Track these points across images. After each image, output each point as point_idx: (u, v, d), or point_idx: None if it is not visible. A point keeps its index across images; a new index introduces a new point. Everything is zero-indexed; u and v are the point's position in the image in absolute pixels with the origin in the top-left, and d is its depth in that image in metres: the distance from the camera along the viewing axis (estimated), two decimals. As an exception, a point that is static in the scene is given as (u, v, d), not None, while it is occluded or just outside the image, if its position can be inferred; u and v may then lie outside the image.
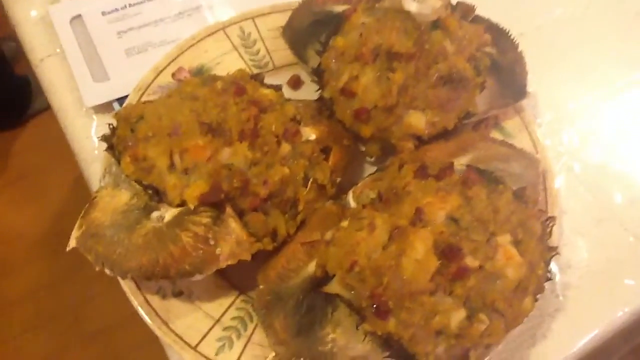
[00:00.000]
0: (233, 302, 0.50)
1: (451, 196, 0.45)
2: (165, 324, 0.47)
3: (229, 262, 0.46)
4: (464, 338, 0.42)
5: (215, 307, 0.49)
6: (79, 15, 0.68)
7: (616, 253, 0.56)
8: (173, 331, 0.47)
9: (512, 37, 0.59)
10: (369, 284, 0.43)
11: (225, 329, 0.48)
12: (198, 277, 0.46)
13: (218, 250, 0.46)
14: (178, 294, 0.49)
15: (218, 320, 0.49)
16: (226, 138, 0.48)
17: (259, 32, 0.62)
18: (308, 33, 0.59)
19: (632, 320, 0.53)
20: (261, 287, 0.48)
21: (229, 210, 0.47)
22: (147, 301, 0.48)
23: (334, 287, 0.45)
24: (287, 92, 0.61)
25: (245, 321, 0.49)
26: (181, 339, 0.47)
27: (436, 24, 0.54)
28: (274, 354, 0.46)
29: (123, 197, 0.47)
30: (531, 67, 0.58)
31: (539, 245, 0.45)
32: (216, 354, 0.47)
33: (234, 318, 0.49)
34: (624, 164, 0.60)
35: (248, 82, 0.53)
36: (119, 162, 0.47)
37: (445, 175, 0.47)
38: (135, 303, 0.48)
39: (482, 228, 0.44)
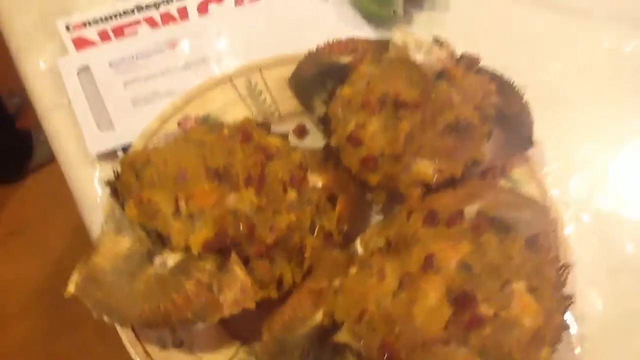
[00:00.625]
0: (236, 354, 0.48)
1: (462, 243, 0.44)
2: (165, 376, 0.45)
3: (233, 311, 0.45)
4: (481, 392, 0.40)
5: (217, 358, 0.47)
6: (87, 66, 0.68)
7: (631, 303, 0.54)
8: (173, 385, 0.45)
9: (516, 87, 0.59)
10: (380, 332, 0.42)
11: (227, 382, 0.46)
12: (200, 325, 0.45)
13: (222, 298, 0.45)
14: (179, 345, 0.47)
15: (220, 373, 0.46)
16: (232, 184, 0.47)
17: (265, 82, 0.63)
18: (314, 83, 0.59)
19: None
20: (265, 337, 0.46)
21: (234, 256, 0.46)
22: (146, 352, 0.46)
23: (342, 336, 0.43)
24: (293, 140, 0.61)
25: (249, 374, 0.47)
26: (181, 393, 0.45)
27: (442, 74, 0.54)
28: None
29: (125, 242, 0.46)
30: (536, 117, 0.58)
31: (554, 293, 0.44)
32: (218, 410, 0.44)
33: (236, 370, 0.47)
34: (634, 212, 0.59)
35: (255, 129, 0.53)
36: (122, 207, 0.46)
37: (456, 222, 0.47)
38: (133, 353, 0.46)
39: (495, 275, 0.43)
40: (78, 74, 0.68)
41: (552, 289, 0.44)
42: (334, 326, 0.44)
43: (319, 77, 0.59)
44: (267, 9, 0.74)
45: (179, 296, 0.44)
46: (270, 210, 0.48)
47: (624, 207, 0.60)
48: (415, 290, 0.42)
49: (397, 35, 0.54)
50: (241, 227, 0.45)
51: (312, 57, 0.61)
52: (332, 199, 0.53)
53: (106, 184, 0.48)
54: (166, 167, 0.47)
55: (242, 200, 0.47)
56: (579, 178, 0.62)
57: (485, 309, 0.41)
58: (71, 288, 0.44)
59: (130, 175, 0.47)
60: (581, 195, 0.61)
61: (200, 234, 0.45)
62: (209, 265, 0.45)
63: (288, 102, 0.62)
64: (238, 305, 0.45)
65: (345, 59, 0.59)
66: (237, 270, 0.46)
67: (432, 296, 0.41)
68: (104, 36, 0.73)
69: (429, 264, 0.43)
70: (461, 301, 0.41)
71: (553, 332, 0.43)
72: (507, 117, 0.58)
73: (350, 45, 0.60)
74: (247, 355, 0.48)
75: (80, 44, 0.71)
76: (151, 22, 0.75)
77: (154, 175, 0.46)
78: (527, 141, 0.58)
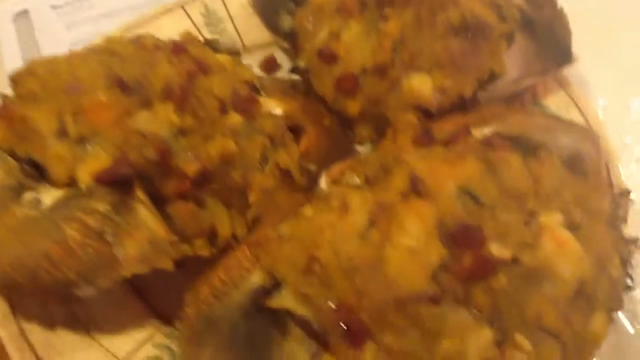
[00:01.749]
0: (150, 337, 0.34)
1: (466, 162, 0.30)
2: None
3: (137, 270, 0.32)
4: (493, 376, 0.25)
5: (123, 342, 0.33)
6: (26, 10, 0.58)
7: None
8: (49, 374, 0.31)
9: (548, -8, 0.45)
10: (336, 290, 0.27)
11: (132, 374, 0.32)
12: (88, 290, 0.31)
13: (119, 251, 0.31)
14: (71, 323, 0.34)
15: (123, 361, 0.33)
16: (143, 98, 0.34)
17: (227, 9, 0.50)
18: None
19: None
20: (188, 310, 0.32)
21: (138, 192, 0.32)
22: (22, 332, 0.33)
23: (283, 299, 0.29)
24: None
25: (165, 363, 0.33)
26: (60, 387, 0.31)
27: (442, -37, 0.40)
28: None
29: (-9, 175, 0.33)
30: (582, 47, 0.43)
31: (608, 231, 0.28)
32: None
33: (148, 359, 0.33)
34: None
35: (196, 45, 0.40)
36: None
37: (458, 139, 0.32)
38: (4, 335, 0.32)
39: (515, 205, 0.28)
40: (14, 20, 0.57)
41: (605, 226, 0.29)
42: (274, 287, 0.30)
43: (289, -9, 0.46)
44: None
45: (56, 247, 0.30)
46: (198, 134, 0.34)
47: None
48: (389, 225, 0.27)
49: None
50: (149, 152, 0.32)
51: (282, -29, 0.48)
52: (296, 131, 0.39)
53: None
54: (56, 77, 0.34)
55: (156, 119, 0.33)
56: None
57: (497, 249, 0.26)
58: None
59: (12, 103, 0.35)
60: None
61: (92, 163, 0.32)
62: (101, 204, 0.31)
63: (255, 32, 0.49)
64: (144, 263, 0.32)
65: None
66: (143, 211, 0.32)
67: (413, 230, 0.27)
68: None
69: (414, 188, 0.28)
70: (460, 238, 0.26)
71: (608, 290, 0.27)
72: (536, 24, 0.43)
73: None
74: (166, 340, 0.34)
75: (25, -10, 0.61)
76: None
77: (37, 87, 0.34)
78: (564, 54, 0.43)
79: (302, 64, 0.42)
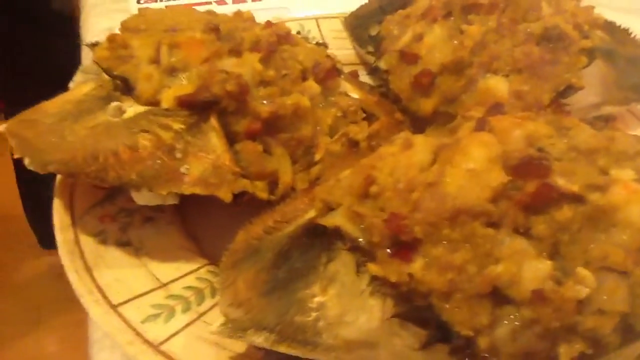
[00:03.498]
0: (195, 271, 0.34)
1: (536, 121, 0.29)
2: (88, 269, 0.32)
3: (197, 191, 0.32)
4: (546, 307, 0.23)
5: (168, 270, 0.33)
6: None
7: None
8: (94, 279, 0.31)
9: (633, 35, 0.46)
10: (389, 207, 0.26)
11: (170, 296, 0.32)
12: (147, 196, 0.32)
13: (184, 168, 0.32)
14: (123, 244, 0.34)
15: (164, 285, 0.32)
16: (234, 46, 0.36)
17: (320, 30, 0.54)
18: (372, 15, 0.49)
19: None
20: (238, 238, 0.32)
21: (213, 120, 0.34)
22: (76, 239, 0.33)
23: (334, 218, 0.28)
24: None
25: (204, 295, 0.32)
26: (100, 291, 0.31)
27: (530, -17, 0.42)
28: (222, 320, 0.28)
29: (85, 88, 0.35)
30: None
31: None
32: (142, 322, 0.30)
33: (188, 287, 0.33)
34: None
35: (287, 30, 0.43)
36: (97, 56, 0.37)
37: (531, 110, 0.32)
38: (59, 239, 0.33)
39: (585, 161, 0.27)
40: None
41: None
42: (328, 213, 0.29)
43: (380, 10, 0.50)
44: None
45: (126, 150, 0.32)
46: (276, 87, 0.36)
47: None
48: (452, 154, 0.27)
49: None
50: (230, 85, 0.34)
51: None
52: (369, 118, 0.40)
53: (90, 45, 0.39)
54: (160, 19, 0.38)
55: (241, 65, 0.36)
56: None
57: (563, 184, 0.25)
58: (2, 127, 0.34)
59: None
60: None
61: (177, 88, 0.34)
62: (177, 123, 0.33)
63: (342, 52, 0.52)
64: (206, 186, 0.32)
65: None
66: (213, 137, 0.33)
67: (477, 156, 0.26)
68: (170, 8, 0.69)
69: (480, 126, 0.28)
70: (524, 167, 0.26)
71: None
72: (619, 55, 0.43)
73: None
74: (210, 275, 0.33)
75: (145, 11, 0.68)
76: (221, 3, 0.70)
77: (142, 24, 0.37)
78: (646, 89, 0.43)
79: (383, 65, 0.44)
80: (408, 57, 0.42)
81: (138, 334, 0.29)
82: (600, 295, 0.23)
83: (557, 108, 0.37)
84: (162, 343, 0.29)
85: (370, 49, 0.46)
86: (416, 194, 0.26)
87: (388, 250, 0.26)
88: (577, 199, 0.25)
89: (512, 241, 0.25)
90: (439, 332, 0.24)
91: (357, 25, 0.50)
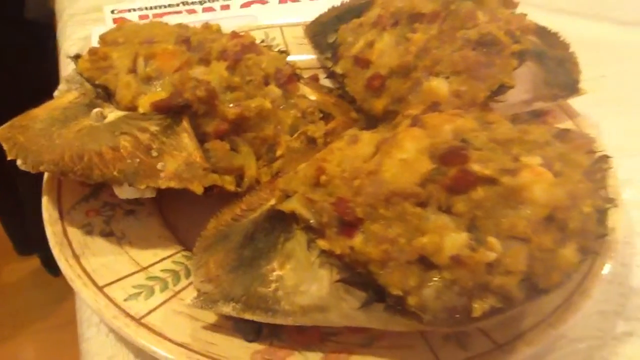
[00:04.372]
0: (171, 255, 0.38)
1: (464, 117, 0.35)
2: (76, 257, 0.36)
3: (172, 184, 0.37)
4: (462, 270, 0.28)
5: (147, 256, 0.38)
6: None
7: None
8: (81, 266, 0.36)
9: (562, 38, 0.51)
10: (336, 193, 0.31)
11: (149, 278, 0.36)
12: (128, 190, 0.37)
13: (160, 165, 0.37)
14: (107, 234, 0.39)
15: (144, 269, 0.37)
16: (203, 55, 0.41)
17: (283, 37, 0.59)
18: (331, 23, 0.54)
19: None
20: (209, 226, 0.37)
21: (185, 123, 0.38)
22: (64, 231, 0.38)
23: (290, 203, 0.33)
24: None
25: (180, 276, 0.37)
26: (88, 275, 0.35)
27: (467, -6, 0.47)
28: (195, 294, 0.33)
29: (69, 96, 0.40)
30: (606, 108, 0.50)
31: (584, 180, 0.32)
32: (125, 300, 0.34)
33: (165, 270, 0.37)
34: None
35: (251, 39, 0.47)
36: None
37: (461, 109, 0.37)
38: (48, 231, 0.37)
39: (501, 150, 0.32)
40: (107, 37, 0.67)
41: (582, 175, 0.32)
42: (285, 200, 0.34)
43: (337, 18, 0.54)
44: (305, 9, 0.73)
45: (109, 150, 0.36)
46: (242, 92, 0.41)
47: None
48: (390, 147, 0.32)
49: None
50: (199, 91, 0.38)
51: (334, 7, 0.57)
52: (326, 118, 0.45)
53: (72, 57, 0.43)
54: (136, 33, 0.42)
55: (210, 73, 0.40)
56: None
57: (479, 169, 0.30)
58: (-6, 132, 0.38)
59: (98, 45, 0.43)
60: None
61: (153, 95, 0.39)
62: (153, 126, 0.38)
63: (303, 57, 0.57)
64: (180, 180, 0.37)
65: (366, 0, 0.54)
66: (185, 137, 0.38)
67: (409, 148, 0.31)
68: (143, 18, 0.73)
69: (414, 123, 0.33)
70: (447, 156, 0.31)
71: (581, 224, 0.31)
72: (548, 57, 0.49)
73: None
74: (184, 259, 0.38)
75: (118, 22, 0.72)
76: (191, 12, 0.75)
77: (120, 37, 0.42)
78: (571, 85, 0.48)
79: (339, 70, 0.49)
80: (361, 62, 0.47)
81: (122, 310, 0.33)
82: (506, 259, 0.28)
83: (485, 106, 0.42)
84: (142, 317, 0.33)
85: (328, 54, 0.51)
86: (358, 181, 0.31)
87: (334, 229, 0.30)
88: (490, 181, 0.30)
89: (436, 217, 0.29)
90: (376, 293, 0.29)
91: (317, 33, 0.55)
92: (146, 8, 0.75)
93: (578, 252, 0.30)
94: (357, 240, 0.29)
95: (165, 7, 0.76)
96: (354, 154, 0.33)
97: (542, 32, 0.50)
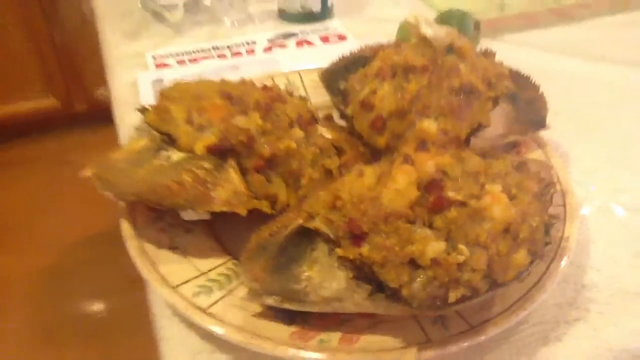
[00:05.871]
0: (223, 263, 0.49)
1: (444, 155, 0.46)
2: (153, 264, 0.48)
3: (224, 209, 0.48)
4: (440, 269, 0.39)
5: (206, 264, 0.49)
6: (161, 79, 0.80)
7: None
8: (158, 271, 0.47)
9: (533, 81, 0.62)
10: (348, 214, 0.43)
11: (209, 280, 0.48)
12: (190, 214, 0.48)
13: (214, 194, 0.48)
14: (173, 248, 0.50)
15: (204, 273, 0.48)
16: (242, 108, 0.53)
17: (302, 81, 0.70)
18: (341, 71, 0.66)
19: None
20: (251, 241, 0.48)
21: (231, 161, 0.50)
22: (141, 246, 0.49)
23: (314, 222, 0.44)
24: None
25: (231, 278, 0.48)
26: (163, 278, 0.47)
27: (451, 49, 0.59)
28: (246, 291, 0.44)
29: (141, 142, 0.51)
30: (563, 141, 0.63)
31: (534, 202, 0.43)
32: (192, 296, 0.46)
33: (220, 274, 0.48)
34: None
35: (278, 90, 0.59)
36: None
37: (445, 147, 0.48)
38: (129, 245, 0.49)
39: (472, 180, 0.44)
40: (152, 83, 0.79)
41: (532, 198, 0.43)
42: (310, 220, 0.45)
43: (346, 68, 0.66)
44: (319, 52, 0.85)
45: (175, 183, 0.48)
46: (273, 136, 0.52)
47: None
48: (387, 179, 0.43)
49: (410, 15, 0.60)
50: (242, 136, 0.50)
51: (343, 57, 0.68)
52: (339, 152, 0.56)
53: (140, 109, 0.55)
54: (188, 90, 0.54)
55: (248, 121, 0.52)
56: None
57: (452, 195, 0.41)
58: (87, 172, 0.50)
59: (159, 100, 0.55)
60: (605, 191, 0.60)
61: (206, 140, 0.50)
62: (207, 164, 0.49)
63: (320, 98, 0.69)
64: (229, 205, 0.48)
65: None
66: (232, 173, 0.49)
67: (401, 180, 0.43)
68: (180, 62, 0.85)
69: (405, 160, 0.45)
70: (429, 186, 0.42)
71: (530, 235, 0.42)
72: (519, 99, 0.60)
73: (378, 46, 0.67)
74: (234, 266, 0.49)
75: (161, 66, 0.84)
76: (222, 56, 0.87)
77: (176, 94, 0.53)
78: (539, 121, 0.59)
79: (349, 112, 0.60)
80: (366, 106, 0.58)
81: (191, 303, 0.45)
82: (472, 260, 0.39)
83: (467, 141, 0.53)
84: (207, 308, 0.44)
85: (340, 98, 0.62)
86: (363, 205, 0.42)
87: (347, 241, 0.42)
88: (461, 204, 0.41)
89: (422, 231, 0.41)
90: (378, 287, 0.40)
91: (329, 80, 0.66)
92: (182, 53, 0.88)
93: (528, 255, 0.41)
94: (364, 248, 0.41)
95: (198, 52, 0.88)
96: (361, 185, 0.44)
97: (516, 77, 0.62)
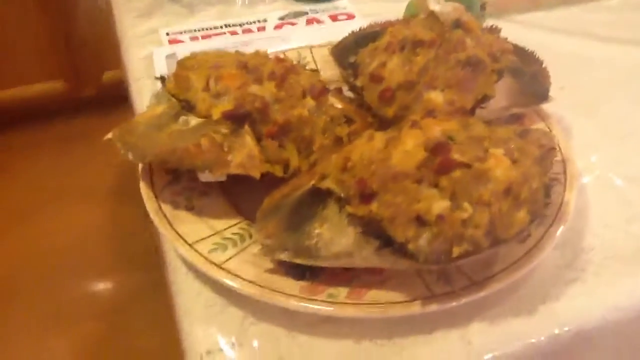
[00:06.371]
0: (237, 224, 0.52)
1: (450, 121, 0.48)
2: (170, 224, 0.50)
3: (238, 171, 0.50)
4: (445, 225, 0.42)
5: (220, 223, 0.52)
6: (174, 54, 0.82)
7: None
8: (175, 230, 0.50)
9: (537, 56, 0.64)
10: (358, 175, 0.45)
11: (223, 238, 0.50)
12: (207, 175, 0.51)
13: (230, 157, 0.50)
14: (189, 209, 0.53)
15: (219, 232, 0.51)
16: (257, 77, 0.55)
17: (312, 56, 0.72)
18: (351, 46, 0.68)
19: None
20: (264, 202, 0.50)
21: (247, 127, 0.52)
22: (160, 207, 0.52)
23: (326, 183, 0.47)
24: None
25: (245, 237, 0.50)
26: (180, 236, 0.49)
27: (458, 24, 0.61)
28: (259, 247, 0.47)
29: (161, 108, 0.54)
30: (567, 115, 0.65)
31: (535, 165, 0.45)
32: (209, 252, 0.48)
33: (234, 233, 0.51)
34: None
35: (291, 62, 0.61)
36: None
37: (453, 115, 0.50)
38: (148, 206, 0.52)
39: (476, 144, 0.46)
40: (166, 58, 0.81)
41: (533, 162, 0.46)
42: (322, 181, 0.48)
43: (356, 43, 0.68)
44: (328, 30, 0.87)
45: (193, 146, 0.50)
46: (287, 104, 0.54)
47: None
48: (396, 142, 0.46)
49: (419, -9, 0.63)
50: (257, 103, 0.52)
51: (354, 33, 0.71)
52: (349, 122, 0.59)
53: (159, 78, 0.57)
54: (206, 59, 0.56)
55: (263, 89, 0.54)
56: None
57: (457, 157, 0.44)
58: (110, 135, 0.52)
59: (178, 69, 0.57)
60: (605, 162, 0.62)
61: (222, 106, 0.53)
62: (224, 129, 0.51)
63: (329, 72, 0.71)
64: (244, 168, 0.51)
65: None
66: (248, 138, 0.52)
67: (409, 143, 0.45)
68: (193, 39, 0.88)
69: (413, 125, 0.47)
70: (436, 148, 0.44)
71: (530, 196, 0.44)
72: (523, 72, 0.62)
73: (387, 22, 0.69)
74: (248, 227, 0.52)
75: (174, 42, 0.87)
76: (233, 33, 0.89)
77: (195, 63, 0.56)
78: (542, 94, 0.61)
79: (359, 83, 0.62)
80: (376, 78, 0.60)
81: (207, 259, 0.47)
82: (475, 217, 0.42)
83: (472, 112, 0.56)
84: (222, 263, 0.47)
85: (350, 72, 0.64)
86: (373, 166, 0.44)
87: (357, 199, 0.44)
88: (466, 165, 0.43)
89: (428, 190, 0.43)
90: (386, 241, 0.43)
91: (340, 55, 0.68)
92: (195, 30, 0.90)
93: (528, 215, 0.44)
94: (374, 206, 0.43)
95: (211, 29, 0.90)
96: (370, 148, 0.47)
97: (520, 52, 0.64)
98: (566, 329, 0.46)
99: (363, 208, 0.43)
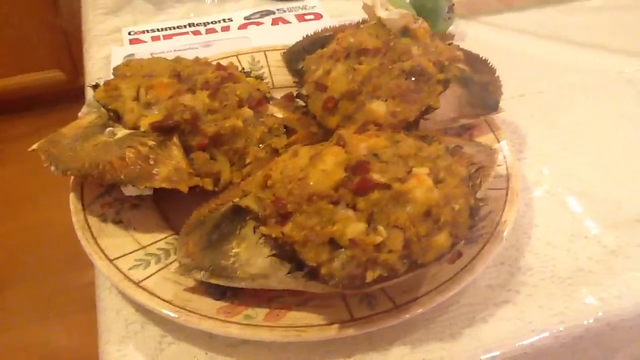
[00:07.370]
0: (164, 238, 0.51)
1: (379, 137, 0.46)
2: (94, 238, 0.49)
3: (164, 185, 0.49)
4: (358, 249, 0.40)
5: (147, 238, 0.50)
6: (133, 55, 0.81)
7: (587, 265, 0.51)
8: (98, 244, 0.48)
9: (490, 65, 0.62)
10: (277, 194, 0.43)
11: (147, 254, 0.49)
12: (131, 189, 0.49)
13: (155, 171, 0.49)
14: (117, 222, 0.51)
15: (144, 247, 0.49)
16: (190, 86, 0.53)
17: (267, 60, 0.71)
18: (302, 52, 0.66)
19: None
20: (191, 217, 0.49)
21: (175, 139, 0.51)
22: (85, 219, 0.51)
23: (246, 201, 0.45)
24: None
25: (170, 252, 0.49)
26: (102, 251, 0.48)
27: (406, 32, 0.59)
28: (178, 265, 0.45)
29: (89, 118, 0.52)
30: (524, 124, 0.63)
31: (461, 185, 0.44)
32: (129, 269, 0.47)
33: (160, 249, 0.50)
34: (606, 192, 0.57)
35: (234, 68, 0.60)
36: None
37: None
38: (74, 219, 0.50)
39: (401, 163, 0.44)
40: (124, 59, 0.80)
41: (459, 182, 0.44)
42: (243, 198, 0.46)
43: (307, 48, 0.66)
44: (294, 30, 0.85)
45: (117, 160, 0.49)
46: (220, 114, 0.53)
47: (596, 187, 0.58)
48: (317, 159, 0.44)
49: (367, -2, 0.61)
50: (186, 114, 0.51)
51: (306, 37, 0.69)
52: (290, 132, 0.57)
53: (92, 86, 0.56)
54: (140, 68, 0.55)
55: (194, 99, 0.53)
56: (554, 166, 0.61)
57: (377, 177, 0.42)
58: (35, 146, 0.51)
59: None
60: (555, 176, 0.60)
61: (150, 117, 0.51)
62: (150, 141, 0.50)
63: (282, 76, 0.69)
64: (170, 182, 0.49)
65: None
66: (175, 150, 0.50)
67: (329, 161, 0.43)
68: (155, 39, 0.86)
69: (337, 141, 0.45)
70: (355, 168, 0.43)
71: (452, 218, 0.42)
72: (473, 82, 0.60)
73: (340, 27, 0.67)
74: (175, 241, 0.50)
75: (135, 42, 0.85)
76: (196, 33, 0.87)
77: (127, 71, 0.54)
78: (492, 105, 0.59)
79: (304, 92, 0.61)
80: (320, 86, 0.58)
81: (126, 276, 0.46)
82: (389, 241, 0.40)
83: (416, 123, 0.54)
84: (141, 281, 0.46)
85: (297, 79, 0.63)
86: (291, 185, 0.43)
87: (273, 219, 0.43)
88: (385, 186, 0.42)
89: (344, 212, 0.41)
90: (299, 264, 0.41)
91: (290, 60, 0.67)
92: (158, 29, 0.88)
93: (449, 238, 0.42)
94: (287, 227, 0.42)
95: (173, 28, 0.88)
96: (293, 165, 0.45)
97: (473, 60, 0.62)
98: (491, 354, 0.44)
99: (277, 229, 0.42)
